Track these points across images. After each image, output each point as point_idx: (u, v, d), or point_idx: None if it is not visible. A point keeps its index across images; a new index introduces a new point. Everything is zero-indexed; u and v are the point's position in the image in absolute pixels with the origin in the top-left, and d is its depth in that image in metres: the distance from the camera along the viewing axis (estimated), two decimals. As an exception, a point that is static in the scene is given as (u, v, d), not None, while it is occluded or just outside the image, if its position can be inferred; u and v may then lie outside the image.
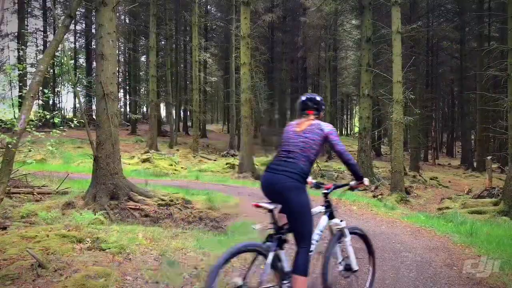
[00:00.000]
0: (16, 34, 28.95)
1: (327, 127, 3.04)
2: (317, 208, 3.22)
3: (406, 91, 13.93)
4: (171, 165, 17.99)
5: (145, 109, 46.32)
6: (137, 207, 7.17)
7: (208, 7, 37.40)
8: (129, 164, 16.81)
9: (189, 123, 36.66)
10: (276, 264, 2.79)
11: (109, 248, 4.26)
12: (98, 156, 7.25)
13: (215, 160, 21.12)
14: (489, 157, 14.68)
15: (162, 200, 7.68)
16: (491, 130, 18.48)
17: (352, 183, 3.30)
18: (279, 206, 2.86)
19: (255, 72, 22.93)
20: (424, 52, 25.67)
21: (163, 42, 31.46)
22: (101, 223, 5.75)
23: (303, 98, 3.24)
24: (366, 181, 3.27)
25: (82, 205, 6.93)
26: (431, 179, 18.95)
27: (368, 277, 3.61)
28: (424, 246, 5.58)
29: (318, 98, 3.23)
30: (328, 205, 3.32)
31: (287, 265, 2.84)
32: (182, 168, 18.02)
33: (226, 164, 18.63)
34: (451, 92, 36.84)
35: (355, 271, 3.35)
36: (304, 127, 3.04)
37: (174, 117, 32.89)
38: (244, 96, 16.15)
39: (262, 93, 25.27)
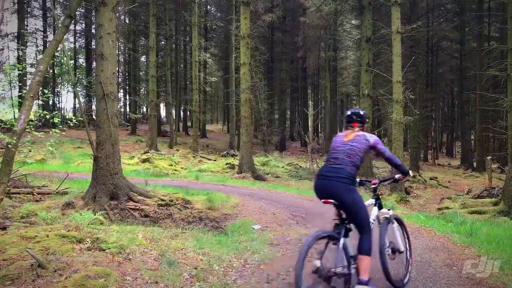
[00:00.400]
0: (16, 34, 28.93)
1: (372, 138, 3.58)
2: (369, 201, 3.82)
3: (406, 91, 13.92)
4: (171, 165, 17.98)
5: (145, 109, 46.33)
6: (137, 207, 7.17)
7: (208, 7, 37.40)
8: (129, 164, 16.81)
9: (189, 123, 36.68)
10: (344, 249, 3.32)
11: (109, 248, 4.26)
12: (98, 156, 7.25)
13: (215, 160, 21.12)
14: (489, 157, 14.67)
15: (162, 200, 7.69)
16: (491, 130, 18.46)
17: (397, 176, 3.92)
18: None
19: (255, 72, 22.93)
20: (424, 52, 25.65)
21: (163, 42, 31.47)
22: (101, 223, 5.75)
23: (349, 113, 3.78)
24: (411, 172, 3.94)
25: (82, 205, 6.93)
26: (431, 179, 18.93)
27: (407, 254, 4.09)
28: (424, 246, 5.58)
29: (361, 113, 3.76)
30: (377, 198, 3.88)
31: (352, 250, 3.36)
32: (182, 168, 18.01)
33: (226, 164, 18.63)
34: (451, 92, 36.84)
35: (401, 252, 3.92)
36: (351, 137, 3.57)
37: (174, 117, 32.89)
38: (244, 96, 16.15)
39: (262, 93, 25.25)
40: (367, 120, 3.77)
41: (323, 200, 3.39)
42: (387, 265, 3.60)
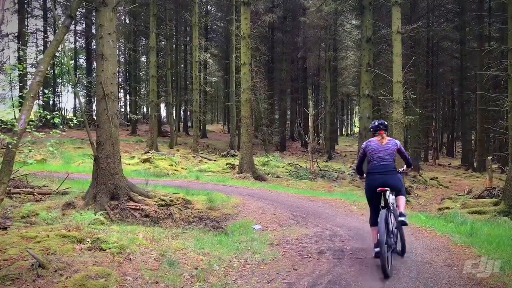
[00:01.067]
0: (16, 34, 28.96)
1: (398, 142, 4.99)
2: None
3: (406, 91, 13.92)
4: (171, 165, 17.97)
5: (145, 109, 46.32)
6: (138, 207, 7.17)
7: (208, 7, 37.40)
8: (129, 164, 16.80)
9: (189, 124, 36.68)
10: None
11: (110, 248, 4.26)
12: (98, 156, 7.25)
13: (215, 160, 21.11)
14: (489, 157, 14.65)
15: (163, 200, 7.68)
16: (491, 130, 18.47)
17: (401, 169, 5.13)
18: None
19: (255, 72, 22.91)
20: (424, 52, 25.63)
21: (163, 43, 31.47)
22: (101, 223, 5.76)
23: (376, 123, 5.02)
24: (412, 166, 5.27)
25: (82, 205, 6.93)
26: (431, 179, 18.92)
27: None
28: (425, 246, 5.57)
29: (385, 123, 5.05)
30: None
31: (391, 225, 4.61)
32: (182, 168, 18.01)
33: (226, 164, 18.62)
34: (451, 92, 36.82)
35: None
36: (385, 142, 4.89)
37: (174, 118, 32.89)
38: (244, 96, 16.15)
39: (262, 93, 25.26)
40: (388, 127, 5.00)
41: (378, 189, 4.63)
42: (402, 232, 4.88)
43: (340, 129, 54.40)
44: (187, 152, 22.60)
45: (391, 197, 4.70)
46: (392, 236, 4.48)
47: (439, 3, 26.48)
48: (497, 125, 16.37)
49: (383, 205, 4.72)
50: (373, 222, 4.80)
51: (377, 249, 4.62)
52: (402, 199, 4.77)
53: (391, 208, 4.65)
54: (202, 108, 29.05)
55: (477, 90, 22.87)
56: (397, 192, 4.77)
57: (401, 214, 4.63)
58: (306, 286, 4.10)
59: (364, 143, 5.07)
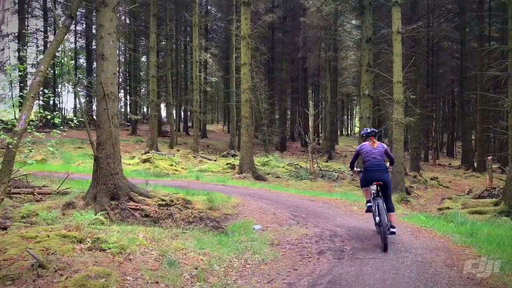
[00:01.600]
0: (16, 34, 28.98)
1: (384, 145, 6.00)
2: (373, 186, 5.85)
3: (407, 91, 13.91)
4: (172, 165, 17.97)
5: (145, 109, 46.34)
6: (138, 207, 7.17)
7: (209, 7, 37.41)
8: (130, 164, 16.80)
9: (189, 124, 36.68)
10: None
11: (110, 248, 4.26)
12: (98, 156, 7.25)
13: (215, 161, 21.11)
14: (489, 157, 14.64)
15: (163, 200, 7.68)
16: (491, 131, 18.47)
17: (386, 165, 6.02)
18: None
19: (256, 72, 22.92)
20: (424, 53, 25.62)
21: (163, 43, 31.48)
22: (101, 223, 5.75)
23: (368, 130, 6.07)
24: (394, 164, 6.55)
25: (82, 205, 6.93)
26: (431, 179, 18.92)
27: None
28: (425, 246, 5.57)
29: (376, 130, 6.10)
30: None
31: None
32: (182, 168, 18.00)
33: (227, 164, 18.61)
34: (452, 92, 36.82)
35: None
36: (376, 145, 5.91)
37: (174, 118, 32.89)
38: (245, 96, 16.15)
39: (263, 93, 25.25)
40: (378, 133, 5.92)
41: (375, 182, 5.67)
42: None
43: (340, 129, 54.40)
44: (187, 152, 22.60)
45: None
46: (387, 217, 5.49)
47: (439, 3, 26.48)
48: (497, 125, 16.37)
49: (375, 193, 5.70)
50: (364, 185, 6.03)
51: (369, 204, 5.82)
52: (393, 215, 5.79)
53: (381, 196, 5.72)
54: (202, 108, 29.04)
55: (477, 90, 22.86)
56: (387, 187, 5.78)
57: (392, 226, 5.53)
58: (306, 286, 4.10)
59: (358, 146, 6.13)
